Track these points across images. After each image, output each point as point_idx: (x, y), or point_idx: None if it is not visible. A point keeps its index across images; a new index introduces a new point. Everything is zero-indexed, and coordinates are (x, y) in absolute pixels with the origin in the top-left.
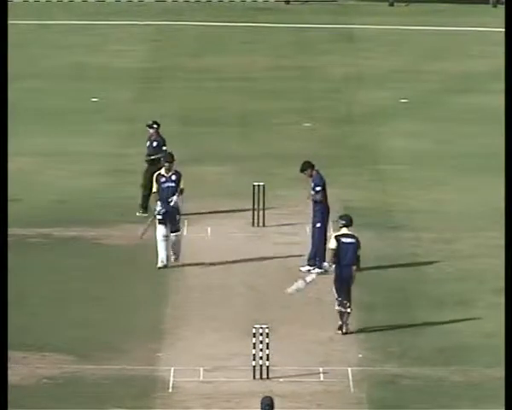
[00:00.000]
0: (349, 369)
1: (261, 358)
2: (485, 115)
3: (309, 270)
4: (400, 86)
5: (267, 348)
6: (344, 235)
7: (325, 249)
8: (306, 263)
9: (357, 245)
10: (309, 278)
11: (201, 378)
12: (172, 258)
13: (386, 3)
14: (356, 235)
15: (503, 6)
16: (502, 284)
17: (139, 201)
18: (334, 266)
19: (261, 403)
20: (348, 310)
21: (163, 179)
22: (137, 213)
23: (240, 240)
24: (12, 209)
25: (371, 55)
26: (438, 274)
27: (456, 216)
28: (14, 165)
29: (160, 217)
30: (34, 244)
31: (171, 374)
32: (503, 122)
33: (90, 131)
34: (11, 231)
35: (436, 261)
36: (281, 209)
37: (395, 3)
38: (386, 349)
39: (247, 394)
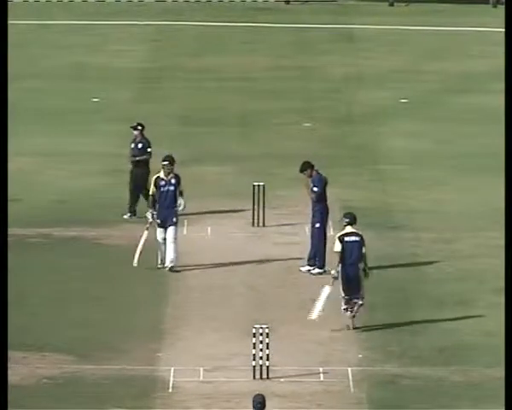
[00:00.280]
0: (349, 369)
1: (261, 358)
2: (485, 115)
3: (309, 270)
4: (400, 86)
5: (267, 348)
6: (348, 234)
7: (325, 249)
8: (306, 263)
9: (361, 243)
10: (324, 294)
11: (201, 378)
12: (168, 260)
13: (386, 3)
14: (360, 232)
15: (503, 6)
16: (502, 283)
17: (127, 203)
18: (340, 266)
19: (253, 401)
20: (360, 302)
21: (163, 183)
22: (124, 216)
23: (240, 240)
24: (12, 209)
25: (371, 55)
26: (438, 274)
27: (456, 216)
28: (14, 165)
29: (158, 221)
30: (34, 244)
31: (171, 374)
32: (503, 122)
33: (90, 131)
34: (11, 231)
35: (436, 261)
36: (281, 209)
37: (395, 3)
38: (386, 349)
39: (247, 394)
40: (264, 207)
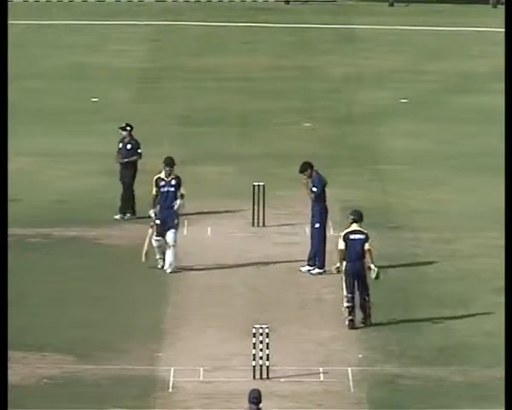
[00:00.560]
0: (349, 369)
1: (261, 358)
2: (485, 115)
3: (309, 270)
4: (400, 86)
5: (267, 348)
6: (352, 231)
7: (325, 250)
8: (306, 263)
9: (365, 240)
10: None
11: (201, 378)
12: (167, 264)
13: (386, 3)
14: (365, 231)
15: (503, 6)
16: (502, 283)
17: (118, 204)
18: (344, 263)
19: (249, 396)
20: (369, 304)
21: (162, 183)
22: (115, 217)
23: (240, 240)
24: (12, 209)
25: (371, 55)
26: (438, 274)
27: (456, 216)
28: (14, 165)
29: (158, 222)
30: (34, 244)
31: (171, 374)
32: (503, 122)
33: (90, 131)
34: (11, 231)
35: (436, 261)
36: (281, 209)
37: (395, 3)
38: (386, 349)
39: (247, 394)
40: (264, 207)
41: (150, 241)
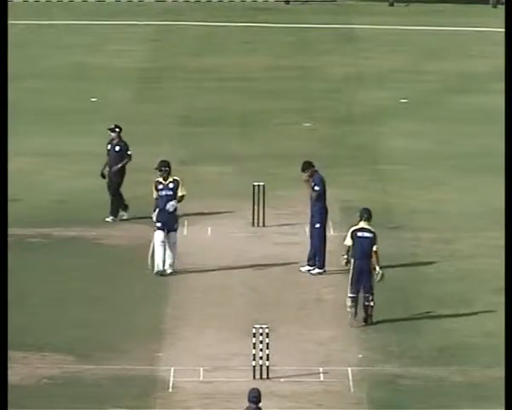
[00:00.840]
0: (349, 369)
1: (261, 358)
2: (485, 115)
3: (309, 270)
4: (400, 86)
5: (267, 348)
6: (360, 229)
7: (325, 250)
8: (306, 263)
9: (373, 240)
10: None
11: (201, 378)
12: (169, 269)
13: (386, 3)
14: (373, 230)
15: (503, 6)
16: (502, 283)
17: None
18: (352, 260)
19: (248, 395)
20: (371, 303)
21: (161, 187)
22: (106, 219)
23: (240, 240)
24: (12, 209)
25: (371, 55)
26: (438, 274)
27: (456, 216)
28: (14, 165)
29: (158, 224)
30: (34, 244)
31: (171, 374)
32: (503, 122)
33: (90, 131)
34: (11, 231)
35: (436, 261)
36: (281, 209)
37: (395, 3)
38: (386, 349)
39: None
40: (264, 207)
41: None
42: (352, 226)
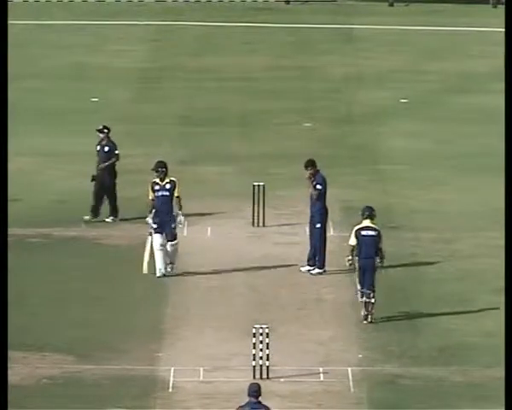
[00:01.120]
0: (349, 369)
1: (261, 358)
2: (485, 115)
3: (309, 270)
4: (400, 86)
5: (267, 348)
6: (365, 228)
7: (325, 250)
8: (306, 263)
9: (378, 238)
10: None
11: (201, 378)
12: (169, 267)
13: (386, 3)
14: (378, 228)
15: (503, 6)
16: (502, 283)
17: (92, 203)
18: (356, 259)
19: (248, 389)
20: (372, 300)
21: (157, 187)
22: (85, 217)
23: (240, 240)
24: (12, 209)
25: (371, 55)
26: (438, 274)
27: (456, 216)
28: (14, 165)
29: (155, 226)
30: (34, 244)
31: (171, 374)
32: (503, 122)
33: (90, 132)
34: (11, 231)
35: (436, 261)
36: (281, 209)
37: (395, 3)
38: (386, 349)
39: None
40: (264, 207)
41: (151, 248)
42: (356, 225)
